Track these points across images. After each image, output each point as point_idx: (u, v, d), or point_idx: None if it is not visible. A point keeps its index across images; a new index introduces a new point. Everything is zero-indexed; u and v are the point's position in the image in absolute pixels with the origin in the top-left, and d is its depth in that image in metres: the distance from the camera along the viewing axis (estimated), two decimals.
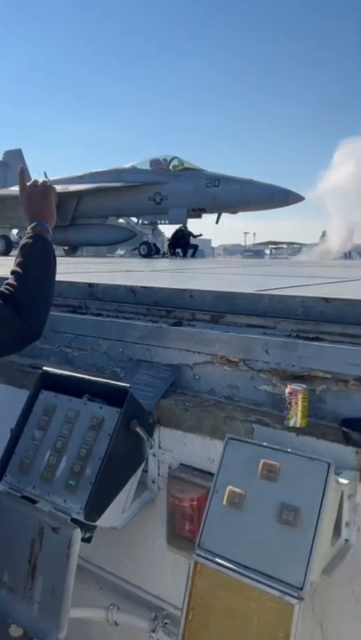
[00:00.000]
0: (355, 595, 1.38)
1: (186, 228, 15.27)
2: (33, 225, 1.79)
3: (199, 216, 14.32)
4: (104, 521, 1.57)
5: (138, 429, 1.62)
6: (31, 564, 1.57)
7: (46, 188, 1.84)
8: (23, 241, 1.79)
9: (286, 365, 1.63)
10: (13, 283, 1.69)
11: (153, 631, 1.70)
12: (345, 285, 3.23)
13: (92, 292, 2.51)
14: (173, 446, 1.73)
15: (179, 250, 15.36)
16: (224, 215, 14.21)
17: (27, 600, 1.56)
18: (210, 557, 1.33)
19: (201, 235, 16.07)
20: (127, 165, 15.11)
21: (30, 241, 1.76)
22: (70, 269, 4.62)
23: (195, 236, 15.75)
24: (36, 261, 1.75)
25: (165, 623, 1.70)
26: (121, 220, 16.22)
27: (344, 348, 1.56)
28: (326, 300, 1.84)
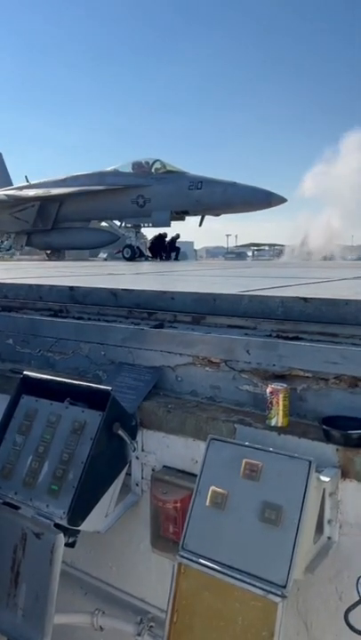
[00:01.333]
0: (338, 591, 1.39)
1: (178, 235, 15.40)
2: None
3: (182, 218, 14.33)
4: (88, 525, 1.56)
5: (120, 432, 1.61)
6: (14, 571, 1.56)
7: None
8: None
9: (267, 365, 1.64)
10: None
11: (139, 635, 1.69)
12: (324, 285, 3.26)
13: (73, 296, 2.49)
14: (156, 448, 1.73)
15: (163, 253, 15.41)
16: (206, 218, 14.23)
17: (10, 607, 1.54)
18: (193, 558, 1.33)
19: (179, 236, 16.16)
20: (109, 168, 15.04)
21: None
22: (50, 273, 4.59)
23: (175, 240, 15.86)
24: None
25: (151, 626, 1.70)
26: (104, 224, 16.13)
27: (323, 346, 1.57)
28: (305, 299, 1.86)
